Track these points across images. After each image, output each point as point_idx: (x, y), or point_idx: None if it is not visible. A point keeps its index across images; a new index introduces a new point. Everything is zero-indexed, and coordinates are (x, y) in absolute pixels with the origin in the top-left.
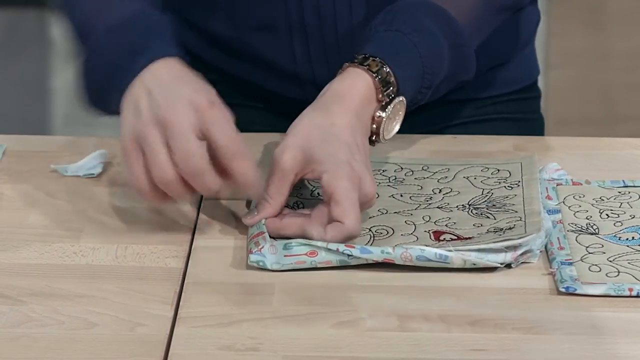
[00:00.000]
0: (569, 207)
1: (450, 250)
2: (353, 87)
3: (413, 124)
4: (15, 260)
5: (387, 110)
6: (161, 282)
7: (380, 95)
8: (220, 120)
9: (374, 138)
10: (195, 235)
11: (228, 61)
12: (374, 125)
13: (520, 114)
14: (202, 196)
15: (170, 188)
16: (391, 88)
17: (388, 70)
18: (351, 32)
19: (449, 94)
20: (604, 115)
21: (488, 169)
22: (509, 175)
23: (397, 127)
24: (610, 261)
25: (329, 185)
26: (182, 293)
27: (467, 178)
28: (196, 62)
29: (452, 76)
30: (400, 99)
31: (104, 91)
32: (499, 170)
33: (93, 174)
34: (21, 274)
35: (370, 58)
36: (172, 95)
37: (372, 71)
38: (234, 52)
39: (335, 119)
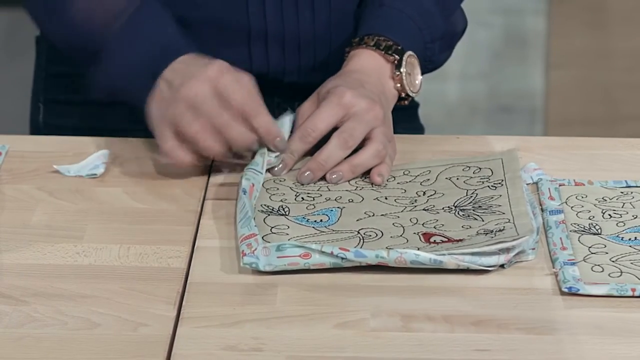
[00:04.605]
0: (572, 207)
1: (443, 254)
2: (361, 63)
3: None
4: (18, 261)
5: (401, 67)
6: (164, 282)
7: (390, 57)
8: (232, 84)
9: (403, 95)
10: (198, 236)
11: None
12: (398, 85)
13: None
14: (204, 196)
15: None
16: (394, 47)
17: (383, 38)
18: None
19: None
20: (606, 115)
21: (469, 167)
22: (491, 173)
23: (419, 79)
24: (613, 261)
25: (334, 87)
26: (185, 293)
27: (450, 179)
28: None
29: (451, 26)
30: (409, 52)
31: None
32: (480, 168)
33: (95, 174)
34: (24, 274)
35: (365, 37)
36: (186, 76)
37: (370, 46)
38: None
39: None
